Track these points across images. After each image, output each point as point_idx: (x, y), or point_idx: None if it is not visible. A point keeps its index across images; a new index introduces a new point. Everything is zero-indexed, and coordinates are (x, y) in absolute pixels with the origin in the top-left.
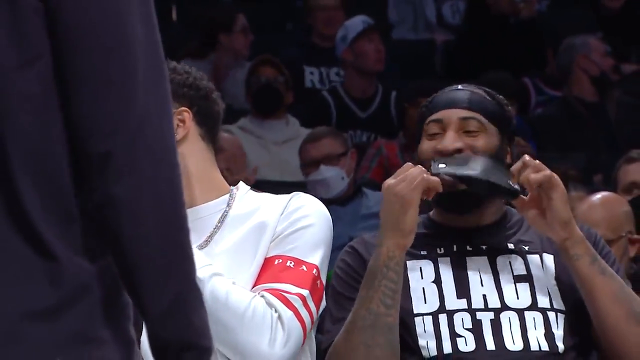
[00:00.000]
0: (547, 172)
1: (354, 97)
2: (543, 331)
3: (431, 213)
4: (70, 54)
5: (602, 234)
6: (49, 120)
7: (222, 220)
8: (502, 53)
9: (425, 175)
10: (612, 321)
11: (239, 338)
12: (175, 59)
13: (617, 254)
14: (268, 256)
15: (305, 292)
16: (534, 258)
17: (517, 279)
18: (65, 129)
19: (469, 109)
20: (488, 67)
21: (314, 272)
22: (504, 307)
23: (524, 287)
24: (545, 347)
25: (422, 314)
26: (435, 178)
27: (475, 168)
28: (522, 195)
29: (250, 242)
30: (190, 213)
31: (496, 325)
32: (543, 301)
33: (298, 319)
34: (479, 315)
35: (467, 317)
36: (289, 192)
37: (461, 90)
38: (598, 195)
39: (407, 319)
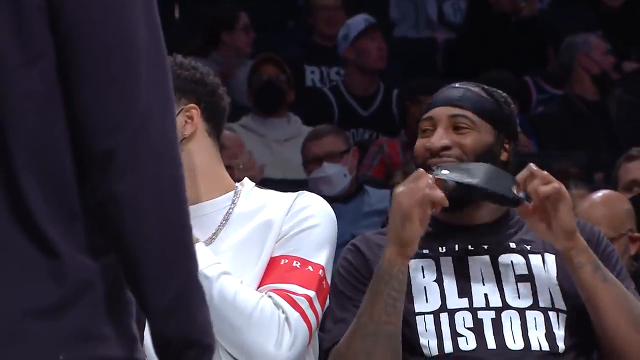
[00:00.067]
0: (556, 184)
1: (355, 96)
2: (544, 331)
3: (433, 210)
4: (73, 52)
5: (603, 232)
6: (52, 118)
7: (227, 217)
8: (503, 51)
9: (428, 191)
10: (614, 328)
11: (246, 338)
12: None
13: (618, 252)
14: (273, 255)
15: (311, 293)
16: (535, 258)
17: (519, 278)
18: (68, 127)
19: (458, 106)
20: (489, 66)
21: (320, 272)
22: (505, 306)
23: (525, 287)
24: (545, 346)
25: (424, 313)
26: (440, 194)
27: (477, 176)
28: (525, 202)
29: (255, 240)
30: (196, 209)
31: (497, 324)
32: (544, 301)
33: (304, 320)
34: (480, 314)
35: (468, 316)
36: (291, 190)
37: (456, 88)
38: (599, 194)
39: (408, 317)
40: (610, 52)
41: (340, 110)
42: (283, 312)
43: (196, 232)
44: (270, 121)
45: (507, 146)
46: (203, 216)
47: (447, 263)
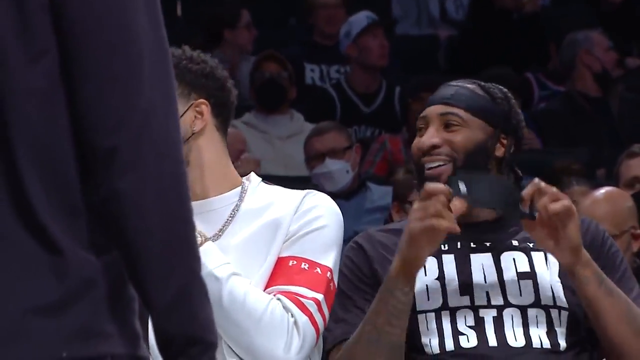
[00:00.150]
0: (566, 202)
1: (358, 93)
2: (545, 328)
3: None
4: (76, 49)
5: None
6: (55, 115)
7: (234, 213)
8: (505, 48)
9: (436, 222)
10: (620, 340)
11: (255, 341)
12: None
13: (621, 249)
14: (281, 256)
15: (320, 297)
16: (538, 255)
17: (521, 275)
18: (71, 124)
19: (450, 104)
20: (491, 63)
21: (328, 275)
22: (507, 304)
23: (527, 284)
24: (547, 344)
25: (425, 311)
26: (447, 224)
27: (488, 195)
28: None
29: (262, 239)
30: (203, 205)
31: (499, 321)
32: (546, 298)
33: (312, 324)
34: (481, 312)
35: (469, 314)
36: (293, 187)
37: (450, 86)
38: (602, 191)
39: (410, 316)
40: (612, 49)
41: (342, 107)
42: (292, 315)
43: (203, 228)
44: (273, 118)
45: (504, 141)
46: (211, 211)
47: (449, 261)
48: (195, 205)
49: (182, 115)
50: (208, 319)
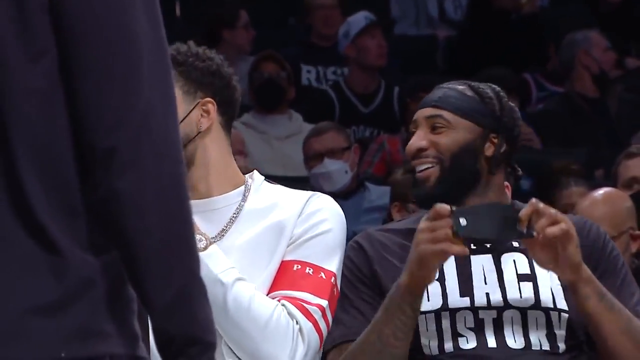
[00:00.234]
0: (564, 225)
1: (356, 93)
2: (545, 331)
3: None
4: (75, 48)
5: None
6: (55, 114)
7: (237, 213)
8: (504, 49)
9: (447, 247)
10: (620, 352)
11: (260, 347)
12: None
13: (619, 250)
14: (285, 259)
15: (324, 303)
16: None
17: (521, 277)
18: (70, 124)
19: (436, 107)
20: (490, 63)
21: (332, 280)
22: (507, 305)
23: (527, 286)
24: (546, 346)
25: (425, 312)
26: (458, 249)
27: (488, 225)
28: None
29: (266, 242)
30: (207, 204)
31: (498, 323)
32: (546, 300)
33: (316, 331)
34: (481, 313)
35: (469, 315)
36: (292, 187)
37: (438, 89)
38: (600, 191)
39: None
40: (610, 49)
41: (341, 108)
42: (297, 322)
43: (206, 227)
44: (271, 118)
45: (495, 140)
46: (214, 210)
47: (449, 262)
48: (198, 203)
49: (188, 114)
50: (207, 319)
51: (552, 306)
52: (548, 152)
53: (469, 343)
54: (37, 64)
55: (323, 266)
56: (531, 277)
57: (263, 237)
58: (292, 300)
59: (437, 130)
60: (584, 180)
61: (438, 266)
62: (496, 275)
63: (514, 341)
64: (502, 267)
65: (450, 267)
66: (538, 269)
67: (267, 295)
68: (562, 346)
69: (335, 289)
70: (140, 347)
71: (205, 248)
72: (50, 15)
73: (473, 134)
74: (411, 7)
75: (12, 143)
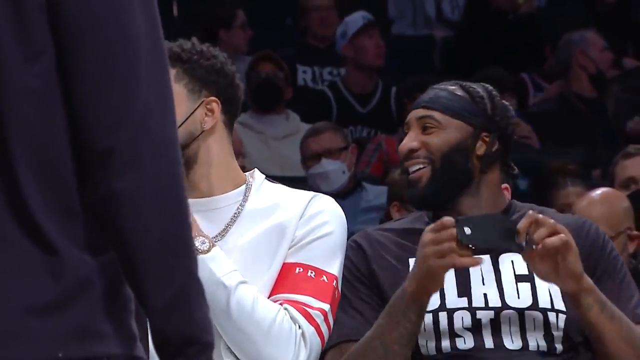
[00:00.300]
0: (563, 236)
1: (354, 93)
2: (542, 332)
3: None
4: (73, 48)
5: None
6: (52, 115)
7: (238, 212)
8: (501, 49)
9: (456, 260)
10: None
11: (262, 351)
12: None
13: (617, 250)
14: (287, 262)
15: (326, 307)
16: None
17: (519, 278)
18: (68, 124)
19: (426, 107)
20: (487, 63)
21: (334, 283)
22: (505, 306)
23: (525, 287)
24: (543, 347)
25: None
26: (466, 261)
27: (489, 235)
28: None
29: (267, 243)
30: (209, 203)
31: (496, 324)
32: (544, 301)
33: (318, 334)
34: (479, 314)
35: (467, 315)
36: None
37: (430, 90)
38: (598, 192)
39: None
40: (607, 49)
41: (338, 108)
42: (299, 327)
43: (207, 226)
44: (269, 118)
45: (487, 139)
46: (215, 210)
47: None
48: (200, 202)
49: (192, 113)
50: (205, 319)
51: (549, 307)
52: (545, 152)
53: (466, 343)
54: (35, 64)
55: (325, 269)
56: (529, 278)
57: (264, 238)
58: (294, 304)
59: (428, 130)
60: (581, 180)
61: (444, 275)
62: (494, 276)
63: (512, 342)
64: (500, 267)
65: None
66: None
67: (268, 298)
68: (559, 347)
69: (336, 292)
70: (138, 348)
71: (208, 250)
72: (48, 15)
73: (464, 134)
74: (408, 8)
75: (9, 143)
